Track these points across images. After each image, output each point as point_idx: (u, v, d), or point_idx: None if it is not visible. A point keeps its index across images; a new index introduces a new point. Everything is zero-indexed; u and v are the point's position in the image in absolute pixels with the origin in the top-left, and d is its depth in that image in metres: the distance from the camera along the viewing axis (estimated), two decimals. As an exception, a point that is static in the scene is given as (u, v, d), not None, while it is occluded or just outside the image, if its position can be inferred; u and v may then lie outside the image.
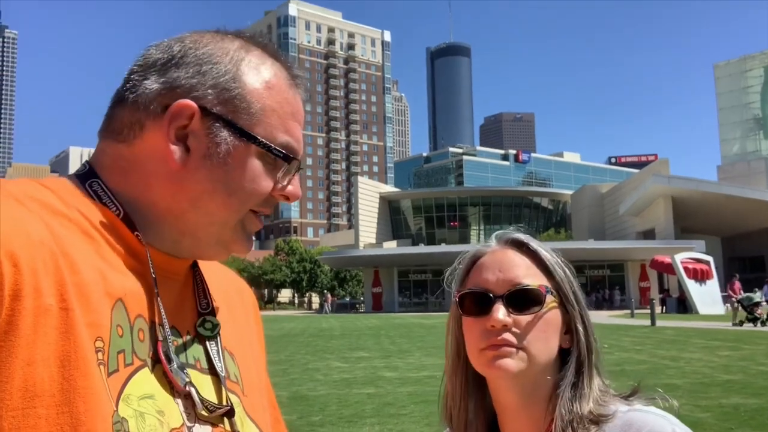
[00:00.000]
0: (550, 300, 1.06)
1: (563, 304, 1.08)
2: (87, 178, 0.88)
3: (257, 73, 0.91)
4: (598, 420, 1.02)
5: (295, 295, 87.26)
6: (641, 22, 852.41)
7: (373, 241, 74.44)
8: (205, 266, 1.00)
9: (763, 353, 15.33)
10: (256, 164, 0.88)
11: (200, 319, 0.93)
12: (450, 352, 1.13)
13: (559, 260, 1.11)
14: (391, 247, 69.31)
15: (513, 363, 1.02)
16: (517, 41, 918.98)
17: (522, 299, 1.04)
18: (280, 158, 0.89)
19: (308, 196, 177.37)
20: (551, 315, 1.06)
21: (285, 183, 0.92)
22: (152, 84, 0.87)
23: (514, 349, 1.02)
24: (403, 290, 61.80)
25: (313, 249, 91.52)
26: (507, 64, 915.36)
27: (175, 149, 0.86)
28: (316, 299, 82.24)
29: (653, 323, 27.20)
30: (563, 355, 1.08)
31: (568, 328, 1.08)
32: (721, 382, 10.75)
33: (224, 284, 1.04)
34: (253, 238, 0.96)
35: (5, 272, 0.67)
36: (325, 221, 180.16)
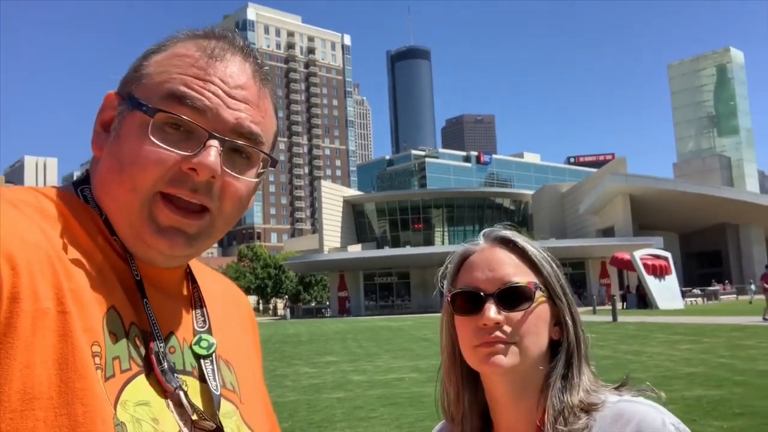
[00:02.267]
0: (539, 295, 1.08)
1: (552, 298, 1.10)
2: (81, 184, 0.89)
3: (171, 50, 0.88)
4: (588, 408, 1.04)
5: (260, 301, 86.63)
6: (596, 24, 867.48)
7: (338, 245, 74.27)
8: (202, 276, 1.00)
9: (723, 346, 15.69)
10: (143, 132, 0.82)
11: (196, 337, 0.91)
12: (445, 349, 1.16)
13: (546, 255, 1.13)
14: (355, 250, 69.23)
15: (506, 359, 1.04)
16: (476, 44, 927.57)
17: (512, 297, 1.06)
18: (143, 112, 0.83)
19: (271, 201, 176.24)
20: (541, 309, 1.08)
21: (189, 153, 0.82)
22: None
23: (506, 345, 1.05)
24: (369, 293, 61.80)
25: (278, 254, 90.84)
26: (466, 67, 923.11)
27: (97, 135, 0.87)
28: (281, 305, 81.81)
29: (615, 319, 27.63)
30: (553, 346, 1.11)
31: (557, 320, 1.11)
32: (683, 375, 10.98)
33: (222, 294, 1.03)
34: (182, 238, 0.84)
35: (3, 275, 0.67)
36: (289, 226, 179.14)
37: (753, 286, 48.61)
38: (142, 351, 0.81)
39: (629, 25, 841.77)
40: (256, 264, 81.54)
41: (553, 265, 1.13)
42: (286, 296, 75.52)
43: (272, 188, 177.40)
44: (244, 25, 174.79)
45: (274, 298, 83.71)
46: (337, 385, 11.96)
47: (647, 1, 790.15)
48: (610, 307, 29.85)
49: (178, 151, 0.82)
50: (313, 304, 78.36)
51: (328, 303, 70.06)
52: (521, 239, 1.13)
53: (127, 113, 0.85)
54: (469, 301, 1.08)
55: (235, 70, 0.88)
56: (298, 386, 12.01)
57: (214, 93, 0.85)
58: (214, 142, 0.83)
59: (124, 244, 0.85)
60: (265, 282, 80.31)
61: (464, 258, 1.14)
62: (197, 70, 0.86)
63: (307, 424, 8.38)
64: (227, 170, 0.85)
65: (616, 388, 1.10)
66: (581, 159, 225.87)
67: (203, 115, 0.84)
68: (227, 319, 1.00)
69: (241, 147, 0.87)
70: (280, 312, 75.01)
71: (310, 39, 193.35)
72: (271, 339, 26.75)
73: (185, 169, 0.82)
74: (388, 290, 63.12)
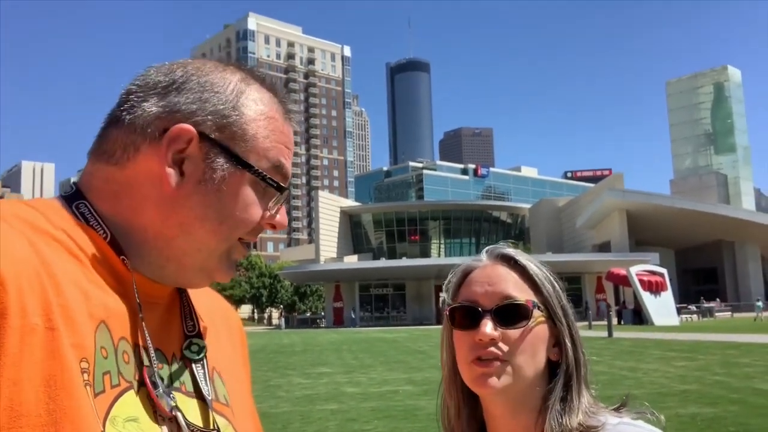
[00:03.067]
0: (538, 314, 1.07)
1: (551, 318, 1.09)
2: (74, 199, 0.87)
3: (255, 104, 0.91)
4: (587, 431, 1.03)
5: (255, 310, 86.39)
6: (595, 40, 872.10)
7: (334, 255, 74.19)
8: (192, 291, 1.01)
9: (717, 363, 15.69)
10: (248, 192, 0.88)
11: (186, 342, 0.92)
12: (446, 364, 1.15)
13: (548, 274, 1.13)
14: (352, 261, 69.16)
15: (499, 380, 1.04)
16: (476, 58, 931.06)
17: (509, 314, 1.06)
18: (273, 188, 0.90)
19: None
20: (539, 329, 1.07)
21: (273, 212, 0.92)
22: (151, 107, 0.86)
23: (501, 364, 1.04)
24: (364, 304, 61.68)
25: (273, 264, 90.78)
26: (466, 80, 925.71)
27: (171, 173, 0.85)
28: (276, 315, 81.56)
29: (610, 335, 27.65)
30: (552, 367, 1.10)
31: (557, 341, 1.10)
32: (677, 392, 10.97)
33: (210, 307, 1.04)
34: (236, 267, 0.94)
35: None
36: (285, 236, 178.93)
37: (760, 303, 48.38)
38: (132, 366, 0.81)
39: (628, 42, 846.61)
40: (252, 273, 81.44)
41: (555, 285, 1.12)
42: (281, 306, 75.32)
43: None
44: (244, 35, 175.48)
45: (269, 308, 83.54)
46: (330, 396, 11.91)
47: (646, 17, 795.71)
48: (605, 323, 29.81)
49: (266, 212, 0.91)
50: (308, 314, 78.16)
51: (323, 313, 69.89)
52: (523, 257, 1.13)
53: (234, 170, 0.88)
54: (467, 316, 1.08)
55: (293, 137, 0.97)
56: (291, 397, 11.96)
57: (290, 157, 0.95)
58: (285, 202, 0.94)
59: (164, 271, 0.88)
60: (260, 291, 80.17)
61: (466, 273, 1.14)
62: (284, 137, 0.93)
63: (299, 436, 8.34)
64: None
65: (616, 409, 1.09)
66: (579, 174, 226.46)
67: (286, 180, 0.93)
68: (216, 331, 1.01)
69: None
70: (275, 321, 74.87)
71: (310, 50, 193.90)
72: (264, 349, 26.66)
73: (265, 224, 0.91)
74: (383, 302, 63.00)
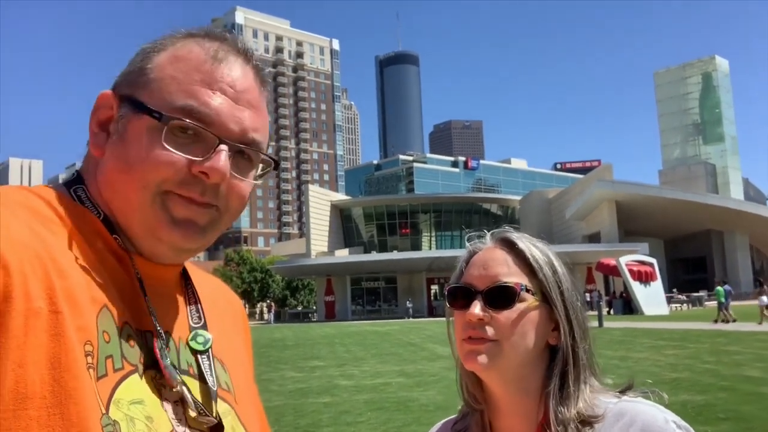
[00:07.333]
0: (530, 298, 1.09)
1: (548, 302, 1.11)
2: (73, 184, 0.89)
3: (172, 51, 0.89)
4: (588, 421, 1.05)
5: (247, 305, 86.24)
6: (583, 32, 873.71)
7: (325, 249, 74.07)
8: (196, 278, 1.01)
9: (707, 351, 15.81)
10: (152, 135, 0.84)
11: (192, 333, 0.92)
12: (453, 342, 1.17)
13: (551, 260, 1.14)
14: (343, 255, 69.08)
15: (486, 359, 1.06)
16: (464, 50, 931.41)
17: (498, 296, 1.09)
18: (156, 119, 0.84)
19: (258, 205, 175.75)
20: (532, 313, 1.09)
21: (201, 158, 0.85)
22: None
23: (489, 343, 1.07)
24: (356, 298, 61.67)
25: (264, 258, 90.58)
26: (455, 73, 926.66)
27: (94, 136, 0.88)
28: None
29: (600, 324, 27.77)
30: (555, 353, 1.11)
31: (557, 326, 1.11)
32: (668, 380, 11.05)
33: (215, 295, 1.05)
34: (194, 229, 0.86)
35: None
36: (276, 230, 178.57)
37: None
38: (136, 350, 0.81)
39: (616, 33, 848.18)
40: (243, 268, 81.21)
41: (558, 270, 1.13)
42: (268, 300, 75.18)
43: (259, 192, 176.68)
44: (232, 29, 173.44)
45: (260, 303, 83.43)
46: (323, 389, 11.93)
47: (634, 9, 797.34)
48: (596, 313, 29.97)
49: (189, 156, 0.84)
50: (299, 309, 78.11)
51: (315, 307, 69.87)
52: (523, 242, 1.14)
53: (133, 116, 0.86)
54: (462, 297, 1.11)
55: (239, 73, 0.90)
56: (284, 391, 11.96)
57: (222, 99, 0.87)
58: (224, 147, 0.86)
59: (132, 242, 0.87)
60: (251, 286, 79.98)
61: (471, 255, 1.18)
62: (203, 75, 0.87)
63: (293, 429, 8.35)
64: (233, 173, 0.87)
65: (621, 392, 1.11)
66: (568, 165, 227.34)
67: (213, 121, 0.86)
68: (220, 319, 1.01)
69: (245, 150, 0.89)
70: (266, 316, 74.84)
71: (299, 43, 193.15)
72: (256, 343, 26.43)
73: (195, 173, 0.84)
74: (375, 295, 63.01)
